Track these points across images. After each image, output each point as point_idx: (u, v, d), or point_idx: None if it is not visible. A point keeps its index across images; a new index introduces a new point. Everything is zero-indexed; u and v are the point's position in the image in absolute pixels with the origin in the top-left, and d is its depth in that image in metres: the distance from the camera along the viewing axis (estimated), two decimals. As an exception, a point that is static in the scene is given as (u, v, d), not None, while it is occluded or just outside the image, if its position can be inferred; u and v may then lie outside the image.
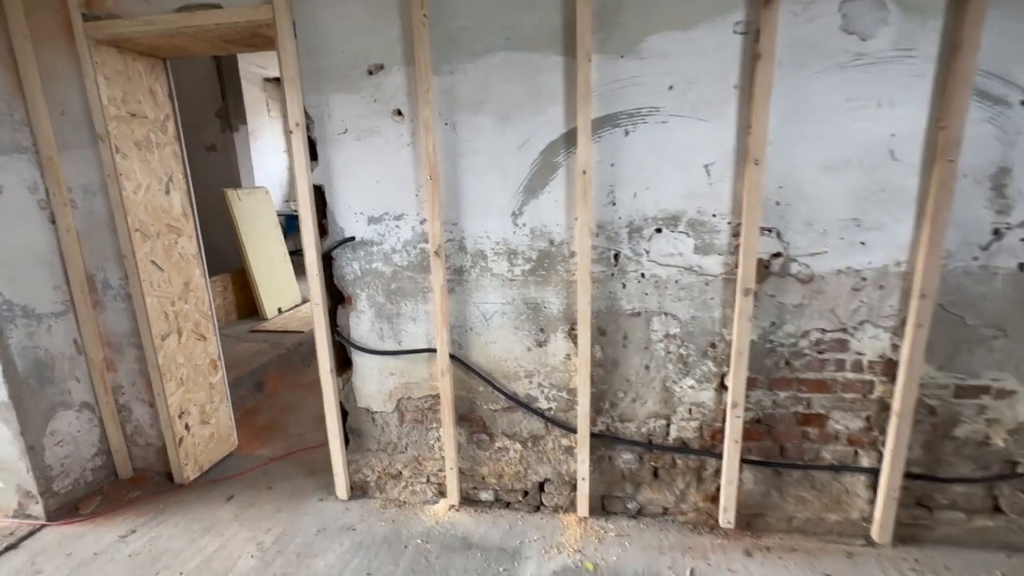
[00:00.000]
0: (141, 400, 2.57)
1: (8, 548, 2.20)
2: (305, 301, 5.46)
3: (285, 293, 5.21)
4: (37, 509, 2.35)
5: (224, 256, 4.96)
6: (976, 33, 1.58)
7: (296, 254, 6.47)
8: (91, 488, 2.54)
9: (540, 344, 2.12)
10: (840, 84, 1.70)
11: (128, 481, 2.64)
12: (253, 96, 6.52)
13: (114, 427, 2.58)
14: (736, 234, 1.87)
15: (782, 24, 1.68)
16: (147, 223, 2.39)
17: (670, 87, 1.79)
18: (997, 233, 1.74)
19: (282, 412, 3.45)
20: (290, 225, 6.46)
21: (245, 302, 4.99)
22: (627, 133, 1.86)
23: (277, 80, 6.93)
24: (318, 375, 2.31)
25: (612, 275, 2.00)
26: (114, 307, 2.45)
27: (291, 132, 2.03)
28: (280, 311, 5.08)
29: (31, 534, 2.28)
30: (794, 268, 1.88)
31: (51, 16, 2.15)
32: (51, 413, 2.38)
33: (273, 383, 3.84)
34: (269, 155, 6.89)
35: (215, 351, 2.80)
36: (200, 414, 2.69)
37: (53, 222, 2.35)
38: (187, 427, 2.61)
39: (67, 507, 2.43)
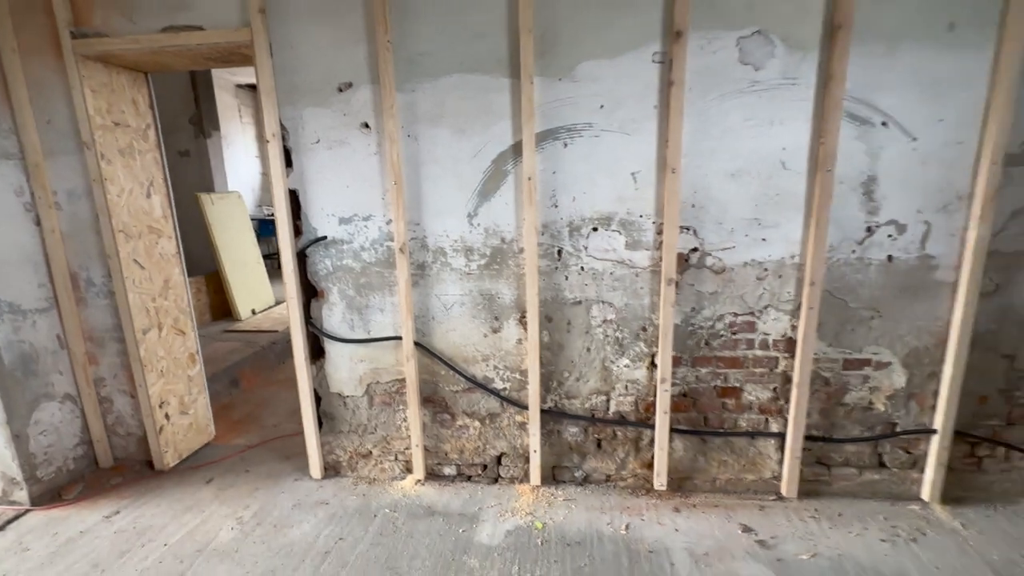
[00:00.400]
0: (122, 392, 2.73)
1: (-5, 531, 2.33)
2: (279, 302, 5.60)
3: (259, 295, 5.34)
4: (21, 495, 2.48)
5: (198, 259, 5.07)
6: (843, 66, 1.93)
7: (269, 257, 6.58)
8: (73, 476, 2.68)
9: (495, 331, 2.39)
10: (739, 106, 2.03)
11: (109, 470, 2.78)
12: (226, 103, 6.62)
13: (95, 418, 2.72)
14: (659, 232, 2.18)
15: (691, 56, 2.00)
16: (130, 224, 2.56)
17: (601, 106, 2.09)
18: (869, 230, 2.10)
19: (257, 407, 3.61)
20: (263, 229, 6.57)
21: (219, 304, 5.10)
22: (566, 145, 2.15)
23: (250, 87, 7.04)
24: (292, 372, 2.53)
25: (556, 268, 2.28)
26: (97, 303, 2.61)
27: (268, 141, 2.25)
28: (254, 312, 5.22)
29: (16, 518, 2.41)
30: (709, 261, 2.20)
31: (40, 32, 2.32)
32: (35, 404, 2.52)
33: (248, 380, 4.00)
34: (242, 160, 6.99)
35: (193, 345, 2.97)
36: (179, 404, 2.86)
37: (38, 223, 2.50)
38: (167, 416, 2.77)
39: (50, 493, 2.56)
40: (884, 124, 1.99)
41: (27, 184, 2.46)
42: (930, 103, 1.96)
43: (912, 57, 1.93)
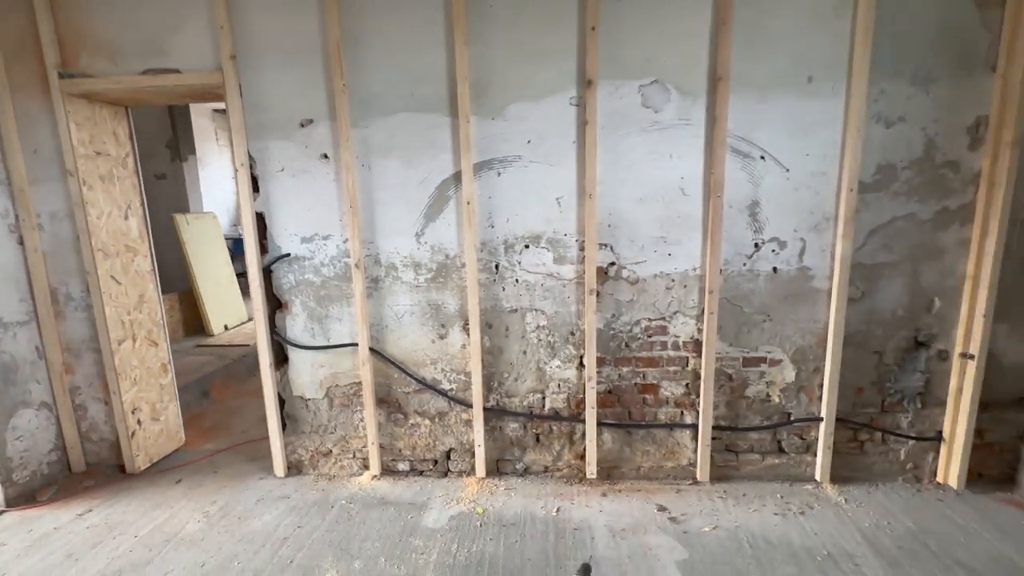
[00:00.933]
0: (96, 399, 2.92)
1: (-29, 529, 2.49)
2: (251, 318, 5.78)
3: (231, 311, 5.53)
4: (-3, 497, 2.65)
5: (173, 277, 5.25)
6: (725, 110, 2.32)
7: (243, 275, 6.76)
8: (47, 480, 2.84)
9: (442, 337, 2.68)
10: (643, 142, 2.40)
11: (82, 474, 2.95)
12: (202, 126, 6.86)
13: (70, 424, 2.91)
14: (582, 248, 2.52)
15: (601, 100, 2.36)
16: (108, 244, 2.80)
17: (528, 141, 2.44)
18: (757, 246, 2.47)
19: (227, 415, 3.80)
20: (237, 247, 6.76)
21: (192, 320, 5.28)
22: (499, 174, 2.48)
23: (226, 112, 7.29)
24: (262, 383, 2.75)
25: (494, 281, 2.60)
26: (75, 316, 2.82)
27: (238, 170, 2.54)
28: (226, 328, 5.40)
29: (-8, 518, 2.58)
30: (624, 273, 2.54)
31: (29, 71, 2.58)
32: (13, 411, 2.70)
33: (219, 391, 4.18)
34: (218, 182, 7.20)
35: (165, 356, 3.18)
36: (151, 411, 3.06)
37: (21, 243, 2.72)
38: (139, 422, 2.97)
39: (25, 496, 2.72)
40: (762, 157, 2.38)
41: (12, 207, 2.68)
42: (798, 140, 2.35)
43: (781, 103, 2.33)
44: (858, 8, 2.21)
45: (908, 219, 2.39)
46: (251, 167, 2.56)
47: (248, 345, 4.85)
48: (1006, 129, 2.22)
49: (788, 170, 2.38)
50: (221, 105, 6.83)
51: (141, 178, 3.02)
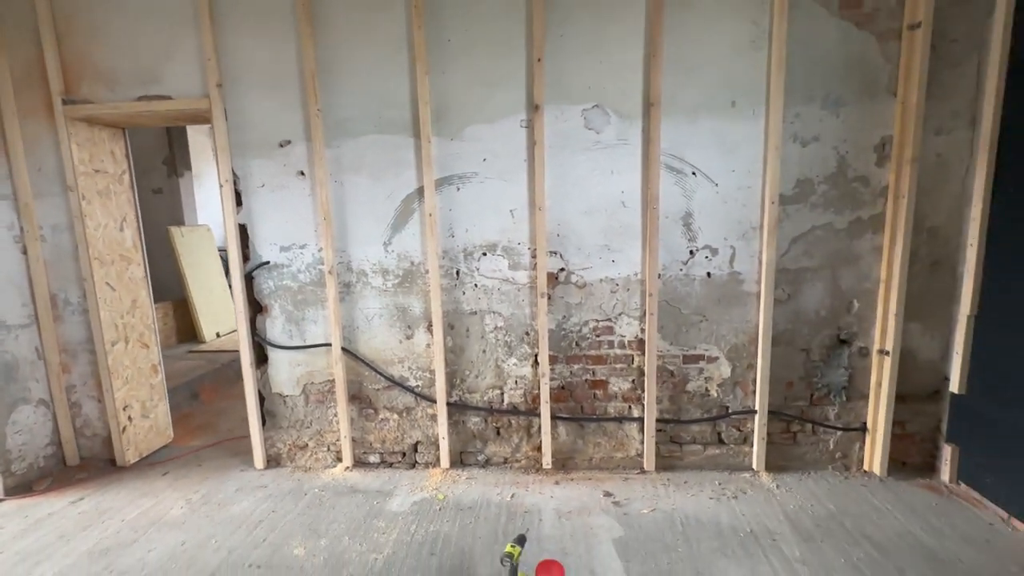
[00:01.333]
0: (91, 397, 3.15)
1: (-28, 515, 2.70)
2: (243, 327, 6.01)
3: (223, 319, 5.76)
4: (-4, 487, 2.86)
5: (167, 286, 5.50)
6: (658, 132, 2.58)
7: (236, 285, 7.00)
8: (43, 472, 3.06)
9: (408, 337, 2.92)
10: (587, 160, 2.66)
11: (75, 467, 3.17)
12: (199, 142, 7.16)
13: (65, 420, 3.13)
14: (534, 256, 2.77)
15: (548, 123, 2.63)
16: (104, 253, 3.05)
17: (484, 159, 2.70)
18: (692, 253, 2.72)
19: (214, 416, 4.02)
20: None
21: (185, 327, 5.51)
22: (458, 189, 2.75)
23: (223, 129, 7.60)
24: None
25: (455, 285, 2.84)
26: (72, 320, 3.06)
27: (222, 186, 2.80)
28: (218, 335, 5.63)
29: (-9, 506, 2.79)
30: (573, 278, 2.79)
31: (35, 97, 2.86)
32: (13, 407, 2.93)
33: (207, 393, 4.41)
34: (214, 195, 7.49)
35: (156, 358, 3.41)
36: (141, 409, 3.28)
37: (25, 253, 2.97)
38: (130, 418, 3.19)
39: (22, 486, 2.94)
40: (694, 173, 2.64)
41: (17, 220, 2.94)
42: (725, 158, 2.62)
43: (709, 125, 2.60)
44: (772, 41, 2.49)
45: (826, 228, 2.64)
46: (235, 183, 2.82)
47: (237, 351, 5.06)
48: (907, 148, 2.49)
49: (717, 184, 2.64)
50: (217, 123, 7.13)
51: (136, 193, 3.29)
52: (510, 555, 1.93)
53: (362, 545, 2.34)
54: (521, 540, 2.01)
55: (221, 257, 6.01)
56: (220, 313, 5.75)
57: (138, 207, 3.31)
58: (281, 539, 2.40)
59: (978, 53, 2.44)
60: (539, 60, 2.57)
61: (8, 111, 2.84)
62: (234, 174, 2.82)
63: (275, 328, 2.97)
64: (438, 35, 2.62)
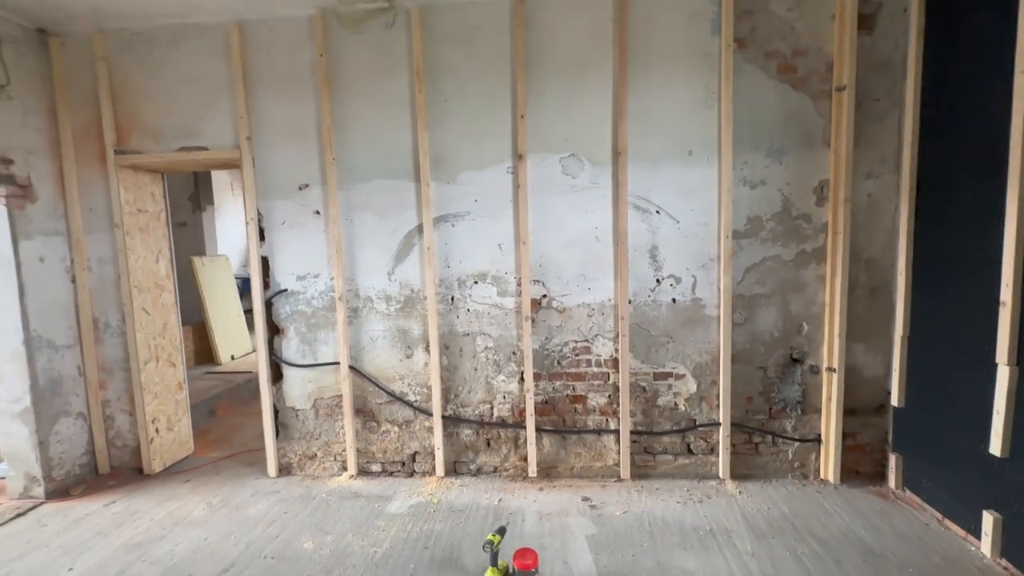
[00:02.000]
0: (123, 411, 3.50)
1: (18, 515, 3.03)
2: (255, 349, 6.39)
3: (238, 342, 6.15)
4: (39, 491, 3.19)
5: (188, 311, 5.89)
6: (626, 176, 2.98)
7: (250, 312, 7.43)
8: (78, 479, 3.39)
9: (408, 356, 3.27)
10: (565, 201, 3.06)
11: (106, 475, 3.49)
12: (220, 178, 7.71)
13: (100, 432, 3.48)
14: (519, 284, 3.14)
15: (530, 169, 3.04)
16: (142, 282, 3.46)
17: (475, 200, 3.11)
18: (658, 282, 3.08)
19: (230, 431, 4.35)
20: (245, 286, 7.44)
21: (203, 350, 5.89)
22: (453, 225, 3.14)
23: (241, 165, 8.16)
24: (262, 408, 3.33)
25: (450, 310, 3.21)
26: (111, 341, 3.45)
27: (248, 223, 3.22)
28: (233, 357, 6.00)
29: (35, 507, 3.12)
30: (554, 303, 3.15)
31: (91, 149, 3.32)
32: (56, 419, 3.28)
33: (224, 410, 4.74)
34: (233, 226, 7.99)
35: (181, 376, 3.78)
36: (167, 422, 3.63)
37: (73, 282, 3.38)
38: (157, 431, 3.54)
39: (60, 491, 3.26)
40: (658, 212, 3.03)
41: (69, 253, 3.37)
42: (685, 199, 3.01)
43: (670, 170, 3.00)
44: (721, 101, 2.91)
45: (775, 259, 3.00)
46: (259, 221, 3.24)
47: (251, 372, 5.43)
48: (840, 190, 2.86)
49: (679, 222, 3.02)
50: (237, 160, 7.69)
51: (170, 228, 3.72)
52: (491, 542, 2.25)
53: (364, 541, 2.64)
54: (502, 531, 2.32)
55: (237, 284, 6.43)
56: (235, 337, 6.13)
57: (172, 240, 3.73)
58: (292, 535, 2.71)
59: (897, 110, 2.84)
60: (522, 117, 3.00)
61: (68, 161, 3.30)
62: (259, 213, 3.24)
63: (290, 348, 3.33)
64: (436, 96, 3.06)
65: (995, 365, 2.21)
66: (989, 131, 2.24)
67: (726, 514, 2.77)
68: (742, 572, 2.31)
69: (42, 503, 3.17)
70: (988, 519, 2.29)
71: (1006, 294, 2.15)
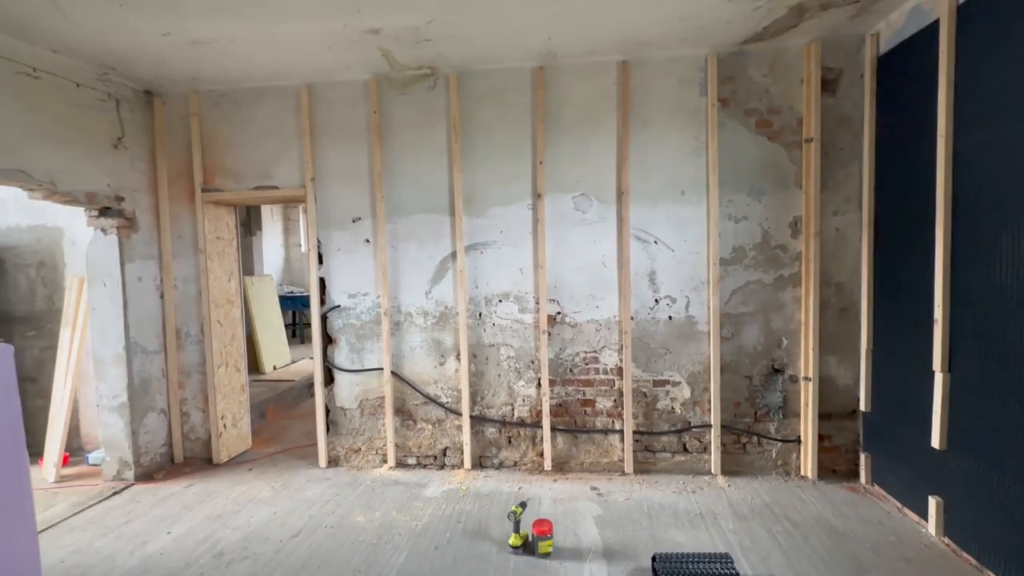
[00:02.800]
0: (197, 408, 4.09)
1: (115, 493, 3.60)
2: (294, 361, 7.00)
3: (280, 354, 6.76)
4: (129, 474, 3.77)
5: (236, 326, 6.54)
6: (628, 212, 3.53)
7: (290, 326, 8.07)
8: (159, 466, 3.96)
9: (441, 364, 3.81)
10: (576, 233, 3.62)
11: (181, 464, 4.07)
12: (266, 209, 8.48)
13: (177, 426, 4.06)
14: (537, 302, 3.68)
15: (547, 206, 3.61)
16: (217, 298, 4.09)
17: (501, 231, 3.68)
18: (656, 301, 3.59)
19: (279, 431, 4.92)
20: (284, 303, 8.11)
21: (250, 360, 6.49)
22: (482, 253, 3.72)
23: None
24: (306, 409, 3.92)
25: (478, 324, 3.75)
26: (190, 349, 4.06)
27: (310, 250, 3.83)
28: (275, 368, 6.61)
29: (126, 488, 3.69)
30: (567, 319, 3.68)
31: (181, 188, 3.99)
32: (145, 413, 3.88)
33: (272, 413, 5.32)
34: (271, 247, 8.73)
35: (244, 380, 4.37)
36: (232, 419, 4.20)
37: (162, 298, 4.02)
38: (224, 426, 4.11)
39: (145, 475, 3.84)
40: (656, 242, 3.56)
41: (159, 274, 4.01)
42: (678, 231, 3.54)
43: (665, 207, 3.54)
44: (708, 150, 3.46)
45: (757, 283, 3.50)
46: (319, 248, 3.86)
47: (293, 380, 6.02)
48: (810, 225, 3.37)
49: (674, 250, 3.55)
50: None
51: (240, 253, 4.37)
52: (514, 512, 2.75)
53: (406, 516, 3.14)
54: (523, 504, 2.82)
55: (280, 300, 7.08)
56: (277, 349, 6.75)
57: (240, 264, 4.38)
58: (346, 511, 3.23)
59: (859, 158, 3.35)
60: (541, 163, 3.59)
61: (162, 197, 3.98)
62: (318, 241, 3.86)
63: (341, 356, 3.90)
64: (469, 145, 3.68)
65: (933, 372, 2.67)
66: (926, 180, 2.74)
67: (715, 502, 3.22)
68: (723, 543, 2.76)
69: (132, 484, 3.74)
70: (932, 503, 2.72)
71: (938, 312, 2.63)
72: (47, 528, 3.13)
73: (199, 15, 2.79)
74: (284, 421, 5.22)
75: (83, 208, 3.65)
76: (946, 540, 2.68)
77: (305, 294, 8.70)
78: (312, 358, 5.27)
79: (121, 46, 3.16)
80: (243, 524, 3.12)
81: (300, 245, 9.48)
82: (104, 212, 3.68)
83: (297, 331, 8.71)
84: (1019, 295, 2.21)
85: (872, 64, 3.20)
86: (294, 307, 8.52)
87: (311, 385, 6.21)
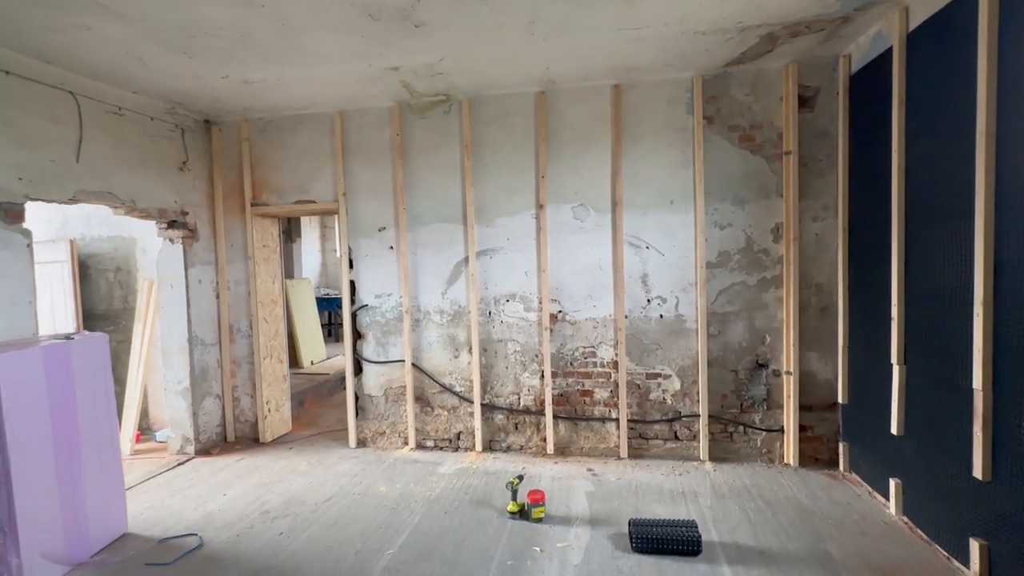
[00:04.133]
0: (247, 394, 4.69)
1: (179, 464, 4.22)
2: (329, 357, 7.63)
3: (316, 351, 7.40)
4: (190, 449, 4.39)
5: (278, 324, 7.21)
6: (622, 221, 3.90)
7: (326, 325, 8.73)
8: (214, 444, 4.58)
9: (456, 357, 4.27)
10: (575, 239, 4.01)
11: (232, 442, 4.67)
12: (305, 219, 9.21)
13: (229, 409, 4.67)
14: (540, 302, 4.09)
15: (549, 215, 4.03)
16: (263, 298, 4.69)
17: (507, 239, 4.12)
18: (648, 301, 3.94)
19: (315, 418, 5.49)
20: (319, 304, 8.78)
21: (290, 355, 7.16)
22: (491, 257, 4.16)
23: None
24: (339, 400, 4.44)
25: (488, 321, 4.20)
26: (240, 342, 4.67)
27: (341, 256, 4.37)
28: (312, 363, 7.24)
29: (188, 460, 4.31)
30: (568, 317, 4.07)
31: (234, 202, 4.62)
32: (203, 397, 4.50)
33: (309, 403, 5.92)
34: (309, 253, 9.45)
35: (286, 370, 4.96)
36: (276, 404, 4.79)
37: (217, 297, 4.65)
38: (269, 410, 4.70)
39: (203, 451, 4.45)
40: (647, 247, 3.92)
41: (215, 277, 4.64)
42: (668, 237, 3.88)
43: (656, 216, 3.89)
44: (695, 163, 3.79)
45: (742, 285, 3.80)
46: (349, 254, 4.39)
47: (328, 374, 6.62)
48: (790, 231, 3.65)
49: (664, 255, 3.90)
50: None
51: (282, 259, 4.97)
52: (512, 483, 3.17)
53: (422, 488, 3.61)
54: (520, 477, 3.24)
55: (316, 302, 7.73)
56: (314, 346, 7.39)
57: (283, 268, 4.97)
58: (371, 483, 3.72)
59: (835, 169, 3.62)
60: (543, 177, 4.01)
61: (218, 211, 4.61)
62: (349, 248, 4.39)
63: (368, 349, 4.42)
64: (479, 162, 4.13)
65: (891, 364, 2.93)
66: (887, 190, 3.01)
67: (698, 483, 3.54)
68: (698, 515, 3.09)
69: (192, 458, 4.36)
70: (892, 484, 2.97)
71: (895, 311, 2.89)
72: (126, 490, 3.76)
73: (253, 63, 3.35)
74: (319, 409, 5.80)
75: (154, 222, 4.31)
76: (904, 519, 2.93)
77: (340, 296, 9.37)
78: (343, 355, 5.89)
79: (187, 86, 3.77)
80: (284, 490, 3.66)
81: (335, 250, 10.18)
82: (172, 225, 4.33)
83: (332, 330, 9.37)
84: (949, 294, 2.48)
85: (844, 83, 3.48)
86: (329, 308, 9.18)
87: (343, 378, 6.78)
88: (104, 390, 2.97)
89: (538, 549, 2.83)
